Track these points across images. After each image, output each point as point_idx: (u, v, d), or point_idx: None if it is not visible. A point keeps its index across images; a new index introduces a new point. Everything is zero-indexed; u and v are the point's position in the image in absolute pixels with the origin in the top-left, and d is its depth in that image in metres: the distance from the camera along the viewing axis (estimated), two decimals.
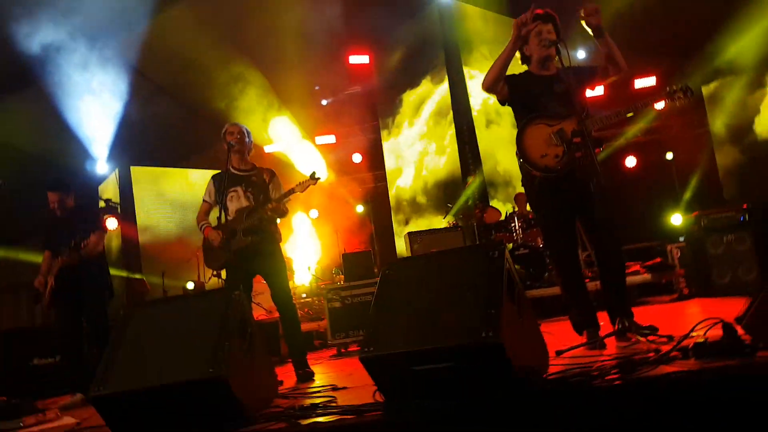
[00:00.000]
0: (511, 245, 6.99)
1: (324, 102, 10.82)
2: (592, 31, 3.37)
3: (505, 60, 3.45)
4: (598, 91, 10.06)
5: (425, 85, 9.93)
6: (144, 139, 9.33)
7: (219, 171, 4.27)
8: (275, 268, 4.12)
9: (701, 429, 1.90)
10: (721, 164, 9.59)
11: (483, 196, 8.93)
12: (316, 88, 10.61)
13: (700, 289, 6.13)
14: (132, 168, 9.52)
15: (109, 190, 9.41)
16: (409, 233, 7.09)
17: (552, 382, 2.29)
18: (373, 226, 10.49)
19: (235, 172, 4.25)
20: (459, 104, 9.25)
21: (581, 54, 10.06)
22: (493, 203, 8.76)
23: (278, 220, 4.25)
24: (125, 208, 9.21)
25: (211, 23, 8.35)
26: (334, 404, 2.47)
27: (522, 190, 3.77)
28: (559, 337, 3.42)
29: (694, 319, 2.66)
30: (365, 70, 10.34)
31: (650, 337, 3.01)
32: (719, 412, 1.90)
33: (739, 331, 2.42)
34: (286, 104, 10.02)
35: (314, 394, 2.98)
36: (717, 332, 2.41)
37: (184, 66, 8.74)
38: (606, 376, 2.22)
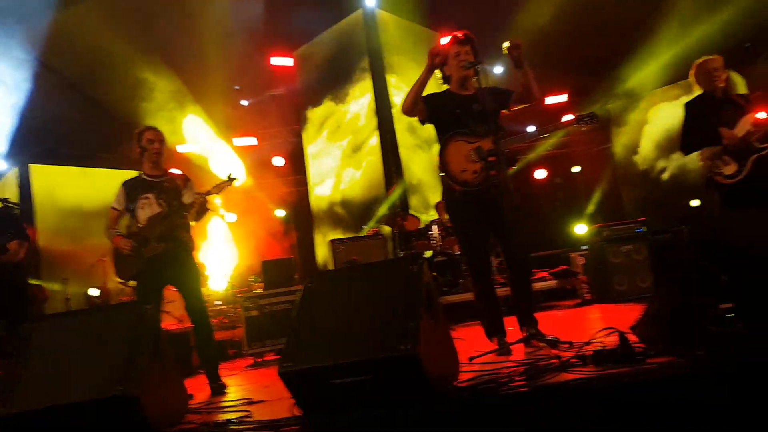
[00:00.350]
0: (430, 252, 7.17)
1: (244, 102, 10.55)
2: (513, 63, 3.57)
3: (420, 86, 3.62)
4: None
5: (348, 94, 9.95)
6: (45, 136, 8.76)
7: (129, 177, 4.11)
8: (188, 277, 4.02)
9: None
10: (621, 180, 10.29)
11: (404, 204, 9.09)
12: (236, 87, 10.34)
13: (601, 295, 6.54)
14: (31, 166, 8.92)
15: (7, 190, 8.77)
16: (333, 240, 7.11)
17: (464, 390, 2.38)
18: (296, 233, 10.40)
19: (147, 178, 4.10)
20: (383, 112, 9.34)
21: (498, 69, 10.46)
22: (411, 211, 8.92)
23: (191, 225, 4.14)
24: (24, 209, 8.60)
25: (124, 19, 7.99)
26: (249, 419, 2.45)
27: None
28: (472, 342, 3.57)
29: (594, 325, 2.86)
30: (288, 72, 10.24)
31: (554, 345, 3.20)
32: (615, 416, 2.06)
33: (633, 339, 2.63)
34: (202, 104, 9.70)
35: (228, 409, 2.92)
36: (614, 339, 2.60)
37: (92, 61, 8.29)
38: (513, 382, 2.35)
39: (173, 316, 6.25)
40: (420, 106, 3.67)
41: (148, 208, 4.02)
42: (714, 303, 2.47)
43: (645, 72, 9.17)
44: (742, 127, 4.11)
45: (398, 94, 9.45)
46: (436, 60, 3.57)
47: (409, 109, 3.69)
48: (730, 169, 4.12)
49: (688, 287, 2.53)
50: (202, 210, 4.04)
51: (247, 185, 10.22)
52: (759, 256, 2.33)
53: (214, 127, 9.98)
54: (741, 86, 4.46)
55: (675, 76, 9.11)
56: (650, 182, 9.86)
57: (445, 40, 3.81)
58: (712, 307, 2.46)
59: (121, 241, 3.94)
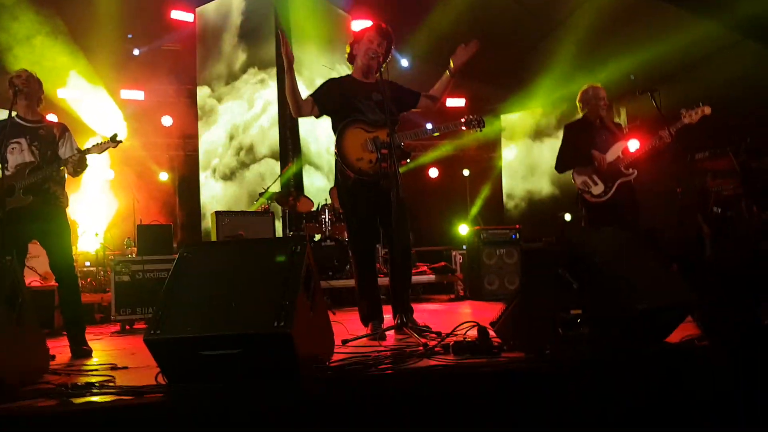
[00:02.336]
0: (319, 236, 7.22)
1: (136, 51, 9.85)
2: (454, 66, 3.78)
3: (291, 90, 3.70)
4: None
5: (249, 62, 9.67)
6: None
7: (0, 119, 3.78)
8: (56, 233, 3.77)
9: (454, 415, 2.22)
10: (506, 187, 10.95)
11: (299, 184, 9.02)
12: (129, 36, 9.69)
13: (474, 292, 6.97)
14: None
15: None
16: (217, 212, 6.93)
17: (333, 369, 2.48)
18: (178, 199, 9.98)
19: (20, 121, 3.79)
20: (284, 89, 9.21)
21: (405, 62, 10.66)
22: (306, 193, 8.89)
23: (65, 180, 3.88)
24: None
25: None
26: (112, 384, 2.38)
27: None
28: (349, 326, 3.68)
29: (463, 319, 3.07)
30: (188, 28, 9.78)
31: (423, 333, 3.39)
32: (469, 401, 2.25)
33: (492, 333, 2.86)
34: (89, 47, 8.93)
35: (91, 372, 2.82)
36: (475, 333, 2.82)
37: None
38: (380, 365, 2.48)
39: (37, 272, 5.84)
40: (309, 105, 3.75)
41: (18, 154, 3.73)
42: (565, 308, 2.74)
43: (536, 90, 9.77)
44: (613, 153, 4.56)
45: (301, 72, 9.36)
46: (289, 59, 3.60)
47: (296, 115, 3.80)
48: (597, 189, 4.56)
49: (542, 291, 2.79)
50: (79, 167, 3.80)
51: (131, 144, 9.65)
52: (603, 270, 2.63)
53: (102, 78, 9.28)
54: (623, 115, 4.96)
55: (561, 100, 9.83)
56: (531, 193, 10.59)
57: (357, 24, 3.87)
58: (563, 312, 2.73)
59: None
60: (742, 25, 7.22)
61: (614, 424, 2.29)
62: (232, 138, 9.65)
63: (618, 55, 7.91)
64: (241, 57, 9.58)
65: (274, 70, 9.19)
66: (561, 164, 4.80)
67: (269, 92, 9.33)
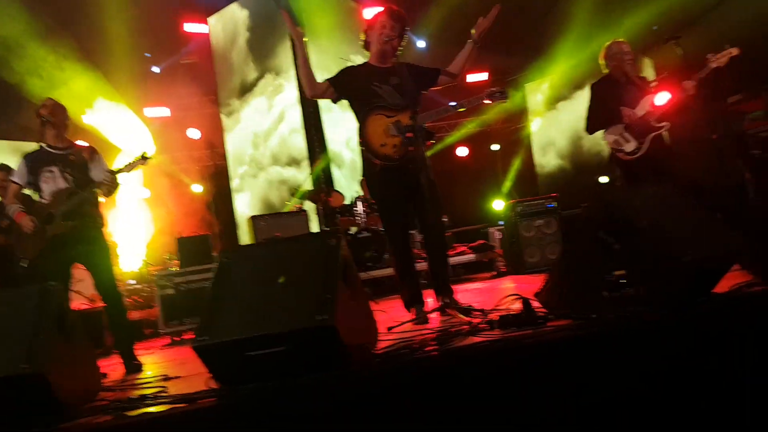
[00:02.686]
0: (355, 229, 7.23)
1: (155, 69, 10.02)
2: (477, 35, 3.69)
3: (303, 67, 3.66)
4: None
5: (267, 63, 9.71)
6: None
7: (31, 150, 3.88)
8: (98, 255, 3.86)
9: (503, 391, 2.19)
10: (537, 158, 10.74)
11: (328, 179, 9.05)
12: (147, 55, 9.85)
13: (515, 267, 6.88)
14: None
15: None
16: (253, 216, 7.02)
17: (379, 356, 2.47)
18: (213, 209, 10.14)
19: (51, 150, 3.89)
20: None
21: (421, 43, 10.54)
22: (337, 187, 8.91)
23: (102, 201, 3.98)
24: None
25: None
26: (164, 394, 2.43)
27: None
28: (392, 314, 3.67)
29: (507, 294, 3.02)
30: (202, 39, 9.87)
31: (468, 312, 3.35)
32: (518, 374, 2.21)
33: (537, 304, 2.81)
34: (110, 71, 9.14)
35: (143, 385, 2.88)
36: (519, 306, 2.77)
37: None
38: (426, 347, 2.46)
39: (83, 296, 6.00)
40: (324, 87, 3.70)
41: (52, 182, 3.82)
42: (608, 270, 2.67)
43: (561, 53, 9.54)
44: (642, 107, 4.40)
45: (318, 66, 9.34)
46: (298, 35, 3.58)
47: (310, 95, 3.74)
48: (630, 146, 4.40)
49: (584, 256, 2.72)
50: (112, 187, 3.87)
51: (161, 159, 9.84)
52: (644, 227, 2.54)
53: (125, 98, 9.48)
54: (649, 68, 4.77)
55: (585, 61, 9.55)
56: (565, 159, 10.36)
57: (368, 12, 3.83)
58: (606, 274, 2.66)
59: (23, 218, 3.74)
60: None
61: (668, 387, 2.21)
62: (256, 144, 9.74)
63: (637, 8, 7.66)
64: (256, 63, 9.64)
65: (292, 73, 9.22)
66: (590, 125, 4.66)
67: (290, 95, 9.37)
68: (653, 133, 4.37)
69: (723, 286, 2.69)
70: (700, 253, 2.44)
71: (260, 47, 9.61)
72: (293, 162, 9.46)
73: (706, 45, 4.39)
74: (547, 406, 2.16)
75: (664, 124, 4.38)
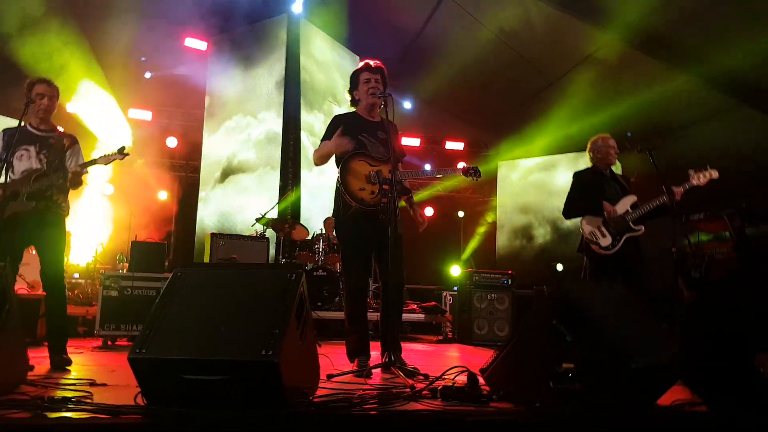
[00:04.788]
0: (311, 265, 7.19)
1: (148, 75, 10.10)
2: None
3: (326, 156, 3.87)
4: (415, 142, 10.96)
5: (257, 94, 9.78)
6: None
7: (12, 126, 3.80)
8: (53, 241, 3.75)
9: None
10: (499, 233, 10.94)
11: (295, 212, 9.04)
12: (143, 59, 9.89)
13: (463, 335, 6.90)
14: None
15: None
16: (213, 234, 6.92)
17: (316, 405, 2.42)
18: (175, 219, 9.97)
19: (32, 130, 3.84)
20: (290, 117, 9.29)
21: (407, 104, 10.83)
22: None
23: (68, 189, 3.89)
24: None
25: None
26: (89, 400, 2.32)
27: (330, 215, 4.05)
28: (335, 360, 3.62)
29: (451, 362, 3.02)
30: (200, 56, 9.97)
31: (411, 375, 3.33)
32: None
33: (481, 380, 2.81)
34: (105, 68, 9.14)
35: (68, 386, 2.74)
36: (464, 378, 2.77)
37: None
38: (365, 404, 2.43)
39: (25, 280, 5.78)
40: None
41: (25, 161, 3.75)
42: (557, 361, 2.70)
43: (536, 137, 9.91)
44: (623, 206, 4.52)
45: (307, 111, 9.46)
46: (341, 149, 3.78)
47: (319, 164, 3.94)
48: (605, 241, 4.48)
49: (535, 342, 2.75)
50: (79, 179, 3.79)
51: (134, 161, 9.70)
52: (599, 325, 2.60)
53: (115, 95, 9.42)
54: (619, 170, 4.96)
55: (557, 149, 9.97)
56: (525, 240, 10.58)
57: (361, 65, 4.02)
58: (555, 364, 2.69)
59: None
60: (737, 90, 7.38)
61: None
62: (230, 166, 9.70)
63: (614, 111, 8.04)
64: (250, 88, 9.71)
65: (280, 103, 9.30)
66: (569, 210, 4.74)
67: (275, 126, 9.43)
68: (629, 233, 4.46)
69: (666, 399, 2.75)
70: (648, 361, 2.50)
71: (254, 75, 9.71)
72: (264, 188, 9.43)
73: (674, 159, 4.60)
74: None
75: (640, 227, 4.47)
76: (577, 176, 4.79)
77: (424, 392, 2.72)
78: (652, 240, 4.60)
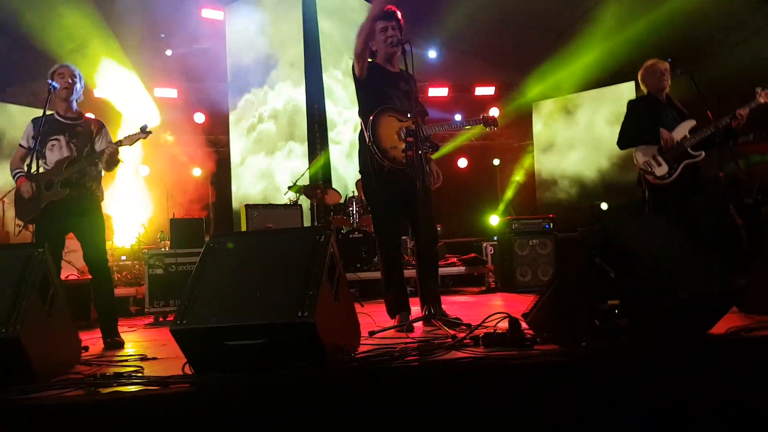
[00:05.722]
0: (346, 228, 7.20)
1: (168, 52, 10.07)
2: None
3: (368, 33, 3.64)
4: (443, 92, 10.69)
5: (279, 56, 9.69)
6: None
7: (40, 116, 3.85)
8: (91, 226, 3.84)
9: (483, 409, 2.15)
10: (538, 176, 10.67)
11: (326, 176, 9.03)
12: (162, 36, 9.86)
13: (506, 284, 6.84)
14: None
15: None
16: (247, 205, 6.98)
17: (358, 361, 2.43)
18: (211, 194, 10.11)
19: (59, 119, 3.89)
20: (312, 79, 9.20)
21: (432, 53, 10.53)
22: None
23: (102, 175, 3.96)
24: None
25: None
26: (140, 374, 2.39)
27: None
28: (377, 318, 3.63)
29: (494, 311, 2.98)
30: (217, 26, 9.90)
31: (453, 325, 3.32)
32: (498, 396, 2.17)
33: (524, 325, 2.78)
34: (126, 49, 9.18)
35: (120, 363, 2.84)
36: (506, 325, 2.73)
37: None
38: (406, 357, 2.43)
39: (74, 267, 5.97)
40: (365, 60, 3.68)
41: (57, 151, 3.82)
42: (602, 298, 2.63)
43: (568, 74, 9.54)
44: (680, 132, 4.27)
45: (330, 69, 9.34)
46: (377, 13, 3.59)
47: (358, 54, 3.66)
48: (661, 170, 4.25)
49: (578, 281, 2.69)
50: (112, 160, 3.84)
51: (165, 140, 9.81)
52: (643, 256, 2.51)
53: (139, 76, 9.48)
54: None
55: (595, 83, 9.57)
56: (565, 181, 10.30)
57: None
58: (599, 302, 2.62)
59: (24, 183, 3.75)
60: None
61: (653, 423, 2.18)
62: (260, 135, 9.72)
63: (650, 38, 7.65)
64: (269, 54, 9.63)
65: (302, 66, 9.21)
66: (624, 140, 4.50)
67: (298, 91, 9.36)
68: (687, 160, 4.22)
69: (719, 328, 2.66)
70: (697, 290, 2.41)
71: (274, 40, 9.60)
72: (293, 155, 9.44)
73: (714, 80, 4.33)
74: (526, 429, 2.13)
75: (699, 153, 4.22)
76: (631, 105, 4.53)
77: (466, 341, 2.70)
78: (706, 167, 4.36)
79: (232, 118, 9.97)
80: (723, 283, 2.61)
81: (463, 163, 11.07)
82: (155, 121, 9.31)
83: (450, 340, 2.76)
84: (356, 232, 7.03)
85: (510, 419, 2.13)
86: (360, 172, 3.86)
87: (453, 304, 5.27)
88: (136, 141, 3.81)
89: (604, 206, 9.24)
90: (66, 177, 3.73)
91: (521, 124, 10.73)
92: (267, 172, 9.49)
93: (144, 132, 3.80)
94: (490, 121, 3.98)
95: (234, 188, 9.83)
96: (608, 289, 2.59)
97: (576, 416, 2.16)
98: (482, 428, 2.10)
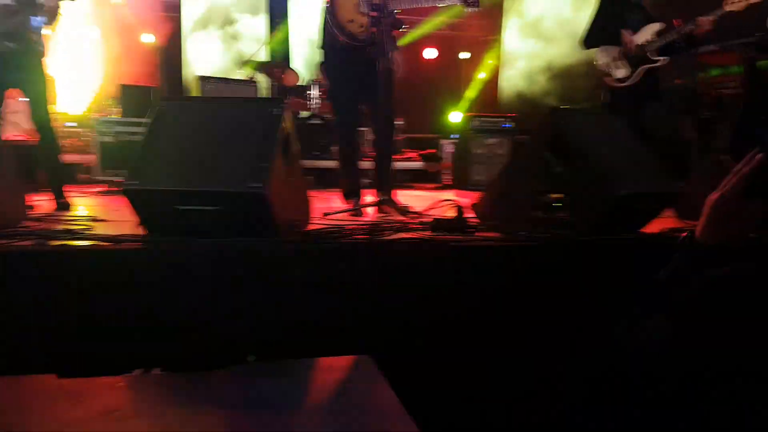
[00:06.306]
0: (307, 113, 7.04)
1: None
2: None
3: None
4: None
5: None
6: None
7: None
8: (35, 82, 3.66)
9: (422, 289, 2.29)
10: (504, 75, 10.48)
11: (285, 55, 8.68)
12: None
13: (460, 181, 6.93)
14: None
15: None
16: (201, 77, 6.68)
17: (309, 235, 2.51)
18: (161, 63, 9.60)
19: None
20: None
21: None
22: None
23: (42, 27, 3.72)
24: None
25: None
26: (90, 232, 2.40)
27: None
28: (331, 204, 3.69)
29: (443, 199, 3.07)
30: None
31: (403, 212, 3.41)
32: (440, 276, 2.30)
33: (472, 214, 2.89)
34: None
35: (70, 222, 2.84)
36: (454, 213, 2.83)
37: None
38: (355, 236, 2.51)
39: (21, 127, 5.73)
40: None
41: None
42: (545, 191, 2.74)
43: None
44: (643, 35, 4.18)
45: None
46: None
47: None
48: (621, 72, 4.21)
49: (525, 173, 2.78)
50: (54, 14, 3.63)
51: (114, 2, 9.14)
52: (588, 152, 2.60)
53: None
54: None
55: None
56: (531, 82, 10.14)
57: None
58: (543, 195, 2.73)
59: None
60: None
61: (578, 310, 2.35)
62: (215, 3, 9.14)
63: None
64: None
65: None
66: (587, 39, 4.44)
67: None
68: (648, 65, 4.17)
69: (653, 228, 2.81)
70: (636, 188, 2.53)
71: None
72: (251, 29, 8.95)
73: None
74: (461, 309, 2.29)
75: (660, 59, 4.16)
76: (601, 2, 4.40)
77: (413, 226, 2.80)
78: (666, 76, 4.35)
79: None
80: (662, 184, 2.74)
81: (431, 53, 10.70)
82: None
83: (399, 224, 2.85)
84: (316, 119, 6.89)
85: (447, 298, 2.27)
86: (318, 47, 3.73)
87: (406, 197, 5.34)
88: None
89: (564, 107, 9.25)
90: (6, 29, 3.50)
91: (492, 16, 10.34)
92: (222, 43, 9.02)
93: None
94: (471, 1, 3.66)
95: (187, 57, 9.36)
96: (553, 182, 2.69)
97: (508, 300, 2.32)
98: (422, 304, 2.24)
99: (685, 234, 1.32)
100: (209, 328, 2.07)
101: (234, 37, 8.96)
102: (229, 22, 9.06)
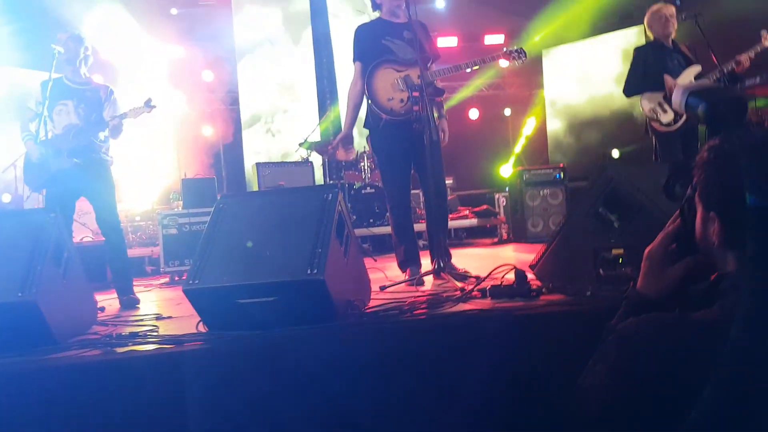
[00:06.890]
0: (359, 184, 7.19)
1: (174, 11, 9.94)
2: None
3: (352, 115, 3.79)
4: (451, 42, 10.46)
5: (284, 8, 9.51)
6: None
7: (49, 78, 3.87)
8: (102, 190, 3.90)
9: (489, 358, 2.20)
10: (550, 126, 10.49)
11: (337, 131, 8.95)
12: None
13: (518, 235, 6.86)
14: None
15: None
16: (258, 164, 6.98)
17: (368, 315, 2.48)
18: (222, 153, 10.11)
19: (68, 83, 3.93)
20: (319, 34, 9.04)
21: (440, 3, 10.26)
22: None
23: (109, 141, 4.00)
24: None
25: None
26: (154, 333, 2.46)
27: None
28: (389, 273, 3.67)
29: (504, 262, 2.99)
30: None
31: (462, 278, 3.35)
32: (507, 344, 2.22)
33: (532, 276, 2.80)
34: (130, 9, 9.06)
35: (136, 323, 2.92)
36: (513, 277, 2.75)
37: None
38: (415, 310, 2.47)
39: (89, 229, 6.07)
40: (360, 77, 3.72)
41: (65, 115, 3.86)
42: (607, 248, 2.64)
43: (575, 19, 9.25)
44: (685, 78, 4.20)
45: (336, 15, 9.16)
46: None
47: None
48: (667, 117, 4.21)
49: (582, 231, 2.69)
50: (118, 130, 3.91)
51: (174, 99, 9.75)
52: (646, 205, 2.50)
53: (143, 33, 9.37)
54: None
55: (601, 28, 9.29)
56: (577, 129, 10.11)
57: None
58: (604, 251, 2.63)
59: (32, 148, 3.80)
60: None
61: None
62: (269, 92, 9.64)
63: None
64: (274, 10, 9.45)
65: (308, 23, 9.04)
66: (629, 87, 4.46)
67: (304, 45, 9.20)
68: None
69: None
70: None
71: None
72: (304, 112, 9.36)
73: (723, 24, 4.21)
74: (533, 379, 2.18)
75: None
76: (637, 51, 4.46)
77: (474, 293, 2.74)
78: None
79: (240, 74, 9.88)
80: None
81: (474, 114, 10.88)
82: (164, 79, 9.25)
83: (458, 293, 2.79)
84: (368, 188, 7.02)
85: (515, 369, 2.17)
86: (365, 127, 3.86)
87: (465, 257, 5.30)
88: (139, 114, 3.86)
89: (615, 153, 9.12)
90: (74, 146, 3.78)
91: (532, 72, 10.48)
92: (278, 129, 9.45)
93: (148, 106, 3.87)
94: (516, 54, 3.75)
95: (245, 146, 9.82)
96: (613, 238, 2.59)
97: (580, 364, 2.19)
98: (488, 378, 2.15)
99: (631, 284, 1.38)
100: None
101: (289, 122, 9.36)
102: (282, 110, 9.52)
